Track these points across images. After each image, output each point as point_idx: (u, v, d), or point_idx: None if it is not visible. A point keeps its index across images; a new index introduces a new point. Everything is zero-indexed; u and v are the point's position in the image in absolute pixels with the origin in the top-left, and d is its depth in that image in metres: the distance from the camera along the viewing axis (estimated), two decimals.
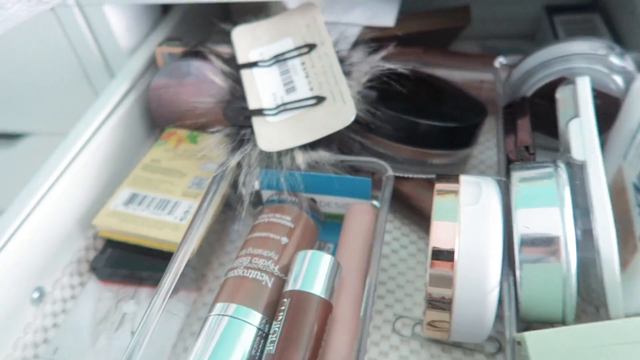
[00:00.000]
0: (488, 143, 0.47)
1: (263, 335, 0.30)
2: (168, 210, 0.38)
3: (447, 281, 0.28)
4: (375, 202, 0.37)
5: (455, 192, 0.30)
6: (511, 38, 0.58)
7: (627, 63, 0.37)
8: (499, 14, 0.57)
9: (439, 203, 0.30)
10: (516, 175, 0.30)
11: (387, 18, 0.47)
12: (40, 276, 0.36)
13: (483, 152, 0.46)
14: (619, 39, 0.48)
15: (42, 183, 0.36)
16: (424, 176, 0.35)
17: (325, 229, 0.39)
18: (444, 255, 0.28)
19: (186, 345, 0.35)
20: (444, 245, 0.28)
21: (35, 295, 0.35)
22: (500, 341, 0.33)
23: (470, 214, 0.28)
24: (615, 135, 0.37)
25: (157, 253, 0.37)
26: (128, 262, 0.38)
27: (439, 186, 0.30)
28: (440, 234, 0.28)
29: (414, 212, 0.41)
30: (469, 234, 0.28)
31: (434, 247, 0.28)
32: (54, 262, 0.37)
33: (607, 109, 0.38)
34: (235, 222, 0.42)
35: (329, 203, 0.39)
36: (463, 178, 0.31)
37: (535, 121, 0.38)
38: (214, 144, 0.37)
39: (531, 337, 0.23)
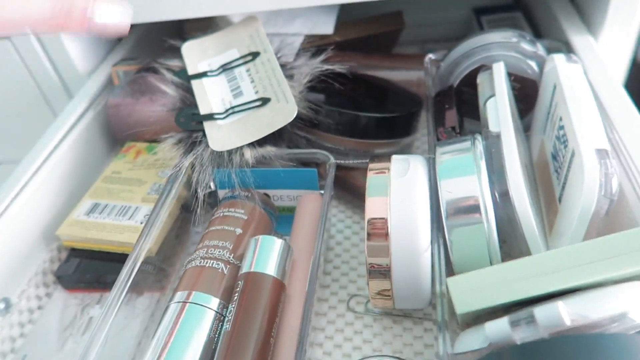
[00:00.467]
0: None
1: (221, 318, 0.32)
2: (129, 215, 0.40)
3: (384, 250, 0.31)
4: (323, 192, 0.40)
5: (387, 169, 0.33)
6: (448, 40, 0.62)
7: (539, 48, 0.41)
8: (434, 19, 0.61)
9: (372, 181, 0.32)
10: (439, 150, 0.33)
11: (326, 26, 0.50)
12: (5, 288, 0.37)
13: (425, 143, 0.49)
14: (539, 32, 0.52)
15: (4, 199, 0.38)
16: (364, 161, 0.38)
17: (281, 222, 0.42)
18: (378, 226, 0.31)
19: None
20: (377, 217, 0.31)
21: (1, 306, 0.37)
22: None
23: (398, 185, 0.31)
24: (537, 114, 0.41)
25: (120, 258, 0.39)
26: (92, 269, 0.39)
27: (372, 166, 0.33)
28: (374, 208, 0.31)
29: (363, 201, 0.43)
30: (398, 204, 0.31)
31: (369, 220, 0.31)
32: (19, 274, 0.39)
33: (527, 92, 0.42)
34: (195, 224, 0.43)
35: (281, 196, 0.41)
36: (394, 157, 0.34)
37: (464, 108, 0.42)
38: (167, 148, 0.39)
39: (452, 281, 0.25)
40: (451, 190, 0.30)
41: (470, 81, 0.43)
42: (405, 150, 0.46)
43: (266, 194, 0.41)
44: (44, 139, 0.44)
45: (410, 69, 0.51)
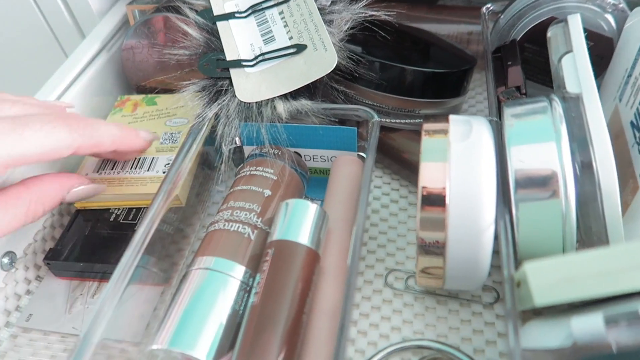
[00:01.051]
0: (479, 97, 0.45)
1: (247, 289, 0.28)
2: (146, 167, 0.36)
3: (439, 224, 0.26)
4: (362, 153, 0.36)
5: (445, 132, 0.28)
6: None
7: (619, 1, 0.35)
8: None
9: (427, 143, 0.28)
10: (508, 112, 0.28)
11: None
12: (10, 241, 0.34)
13: (474, 106, 0.44)
14: None
15: None
16: (412, 121, 0.33)
17: (311, 185, 0.38)
18: (435, 197, 0.26)
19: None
20: (434, 186, 0.27)
21: (6, 260, 0.33)
22: (498, 291, 0.32)
23: (460, 150, 0.27)
24: (610, 77, 0.36)
25: (121, 239, 0.34)
26: (87, 255, 0.34)
27: (426, 126, 0.29)
28: (430, 175, 0.27)
29: (404, 166, 0.39)
30: (459, 172, 0.26)
31: (423, 189, 0.27)
32: (25, 227, 0.35)
33: (600, 51, 0.37)
34: (217, 182, 0.40)
35: (314, 157, 0.37)
36: (452, 117, 0.29)
37: (525, 68, 0.37)
38: (190, 96, 0.35)
39: (531, 267, 0.21)
40: (524, 158, 0.26)
41: (534, 37, 0.38)
42: (453, 114, 0.41)
43: (297, 153, 0.37)
44: (52, 82, 0.40)
45: (459, 23, 0.46)
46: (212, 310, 0.27)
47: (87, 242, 0.34)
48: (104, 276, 0.34)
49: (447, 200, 0.26)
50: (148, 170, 0.36)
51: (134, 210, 0.36)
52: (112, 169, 0.36)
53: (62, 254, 0.34)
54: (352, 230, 0.28)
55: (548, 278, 0.21)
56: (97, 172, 0.36)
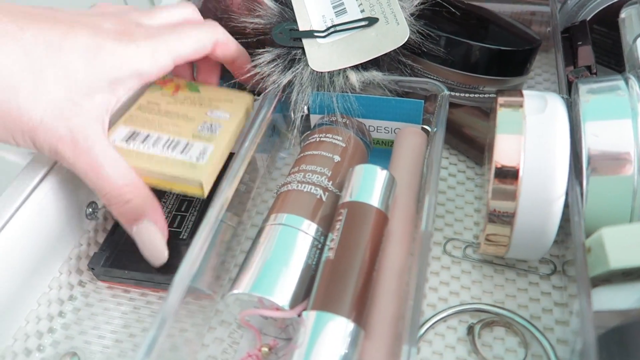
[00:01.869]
0: (538, 77, 0.46)
1: (319, 246, 0.30)
2: (179, 150, 0.33)
3: (511, 194, 0.28)
4: (426, 126, 0.37)
5: (520, 105, 0.29)
6: None
7: None
8: None
9: (503, 115, 0.29)
10: (584, 88, 0.29)
11: None
12: (91, 192, 0.36)
13: (533, 87, 0.45)
14: None
15: None
16: (480, 96, 0.34)
17: (374, 156, 0.39)
18: (508, 168, 0.28)
19: (237, 262, 0.35)
20: (508, 158, 0.28)
21: (89, 210, 0.36)
22: (555, 263, 0.33)
23: (536, 122, 0.28)
24: None
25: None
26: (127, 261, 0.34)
27: (501, 100, 0.30)
28: (505, 147, 0.28)
29: (463, 140, 0.40)
30: (534, 144, 0.27)
31: (497, 160, 0.28)
32: None
33: None
34: (286, 147, 0.41)
35: (378, 128, 0.38)
36: (526, 92, 0.30)
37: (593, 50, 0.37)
38: (265, 62, 0.36)
39: (607, 231, 0.22)
40: (598, 133, 0.27)
41: (604, 19, 0.38)
42: None
43: (362, 123, 0.38)
44: None
45: (523, 3, 0.46)
46: (288, 261, 0.29)
47: (130, 249, 0.33)
48: (147, 285, 0.34)
49: (521, 172, 0.27)
50: (181, 154, 0.33)
51: (179, 217, 0.36)
52: (141, 142, 0.34)
53: (105, 260, 0.34)
54: (421, 197, 0.30)
55: (623, 242, 0.22)
56: (126, 141, 0.33)
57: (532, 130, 0.27)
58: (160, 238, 0.31)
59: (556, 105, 0.28)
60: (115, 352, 0.31)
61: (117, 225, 0.35)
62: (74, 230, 0.35)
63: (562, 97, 0.30)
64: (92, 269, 0.34)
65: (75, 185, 0.34)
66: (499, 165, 0.28)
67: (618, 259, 0.22)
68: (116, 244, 0.34)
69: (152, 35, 0.32)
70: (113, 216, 0.32)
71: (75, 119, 0.29)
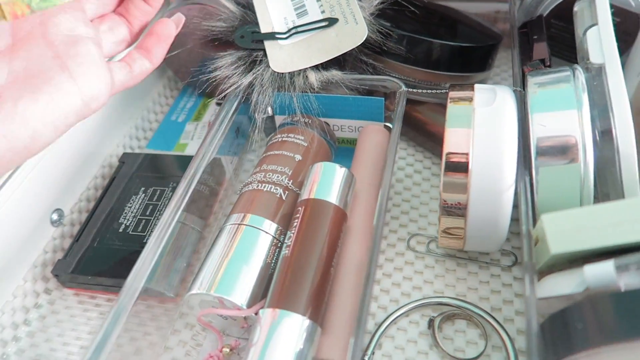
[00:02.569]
0: (504, 74, 0.46)
1: (278, 244, 0.31)
2: None
3: (462, 187, 0.28)
4: (388, 124, 0.37)
5: (470, 99, 0.29)
6: None
7: None
8: None
9: (452, 110, 0.29)
10: (532, 80, 0.29)
11: None
12: (58, 199, 0.37)
13: (497, 83, 0.45)
14: None
15: None
16: (437, 91, 0.35)
17: (339, 155, 0.39)
18: (458, 160, 0.28)
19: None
20: (458, 150, 0.28)
21: (55, 217, 0.36)
22: (516, 255, 0.33)
23: (484, 115, 0.28)
24: (635, 53, 0.36)
25: (129, 254, 0.34)
26: (96, 266, 0.34)
27: (452, 94, 0.30)
28: (454, 140, 0.28)
29: (428, 137, 0.40)
30: (482, 136, 0.28)
31: (447, 153, 0.28)
32: (72, 187, 0.38)
33: (626, 28, 0.37)
34: (249, 149, 0.42)
35: (342, 126, 0.39)
36: (477, 86, 0.30)
37: (551, 44, 0.38)
38: (226, 65, 0.36)
39: (547, 217, 0.22)
40: (545, 124, 0.27)
41: (561, 13, 0.38)
42: None
43: (326, 123, 0.38)
44: None
45: (487, 1, 0.47)
46: (247, 261, 0.29)
47: (95, 254, 0.34)
48: (113, 290, 0.34)
49: (470, 164, 0.28)
50: None
51: (144, 221, 0.36)
52: None
53: (70, 266, 0.33)
54: (379, 193, 0.30)
55: (564, 227, 0.22)
56: None
57: (481, 122, 0.28)
58: None
59: (505, 97, 0.29)
60: (79, 359, 0.31)
61: (82, 231, 0.35)
62: (38, 237, 0.35)
63: (514, 90, 0.31)
64: (57, 275, 0.34)
65: (40, 191, 0.34)
66: (449, 158, 0.28)
67: (558, 245, 0.22)
68: (82, 250, 0.35)
69: None
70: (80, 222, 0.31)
71: None
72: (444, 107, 0.40)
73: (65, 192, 0.37)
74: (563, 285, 0.23)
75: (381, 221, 0.28)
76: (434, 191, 0.38)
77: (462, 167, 0.28)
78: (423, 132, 0.41)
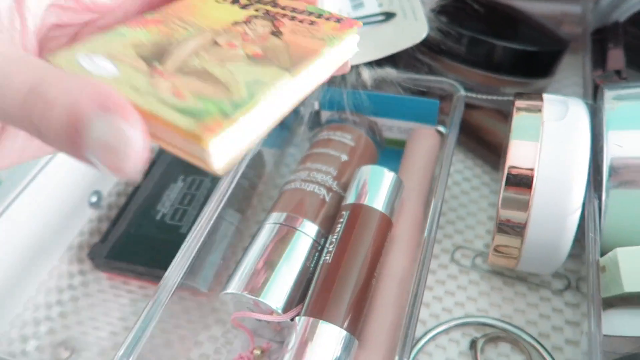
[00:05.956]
0: (565, 81, 0.43)
1: (318, 248, 0.29)
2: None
3: (523, 204, 0.26)
4: (440, 128, 0.35)
5: (538, 110, 0.27)
6: None
7: None
8: None
9: (519, 120, 0.27)
10: (609, 94, 0.27)
11: None
12: (98, 181, 0.36)
13: (560, 90, 0.42)
14: None
15: None
16: (498, 98, 0.33)
17: (385, 156, 0.38)
18: (522, 175, 0.26)
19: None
20: (522, 165, 0.26)
21: (94, 199, 0.36)
22: (569, 278, 0.31)
23: (554, 130, 0.26)
24: None
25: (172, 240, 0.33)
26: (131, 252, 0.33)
27: (519, 103, 0.28)
28: (519, 153, 0.26)
29: (481, 144, 0.38)
30: (551, 152, 0.25)
31: (510, 166, 0.26)
32: None
33: None
34: (291, 145, 0.40)
35: (391, 127, 0.37)
36: (547, 96, 0.28)
37: (627, 54, 0.35)
38: None
39: (623, 252, 0.20)
40: (622, 143, 0.25)
41: (639, 21, 0.35)
42: None
43: (374, 122, 0.37)
44: None
45: (554, 2, 0.44)
46: (285, 263, 0.28)
47: (131, 241, 0.34)
48: (146, 278, 0.33)
49: (535, 181, 0.26)
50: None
51: (181, 210, 0.35)
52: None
53: (105, 251, 0.33)
54: (431, 202, 0.28)
55: (638, 264, 0.20)
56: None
57: (550, 137, 0.26)
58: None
59: (578, 112, 0.26)
60: (109, 344, 0.31)
61: (120, 216, 0.35)
62: (76, 218, 0.35)
63: (586, 103, 0.28)
64: (92, 258, 0.34)
65: (80, 172, 0.34)
66: (511, 172, 0.26)
67: (633, 283, 0.20)
68: (118, 235, 0.34)
69: None
70: (117, 205, 0.30)
71: None
72: (500, 113, 0.38)
73: None
74: (633, 326, 0.21)
75: (433, 234, 0.26)
76: (484, 202, 0.36)
77: (525, 183, 0.26)
78: (476, 138, 0.38)
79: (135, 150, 0.14)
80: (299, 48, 0.22)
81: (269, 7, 0.23)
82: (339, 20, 0.24)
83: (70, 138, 0.14)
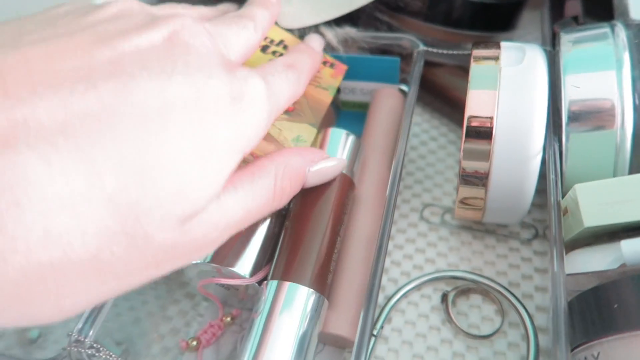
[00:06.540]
0: (528, 36, 0.43)
1: (282, 213, 0.29)
2: None
3: (484, 154, 0.26)
4: (403, 87, 0.35)
5: (496, 58, 0.27)
6: None
7: None
8: None
9: (476, 70, 0.27)
10: (566, 38, 0.27)
11: None
12: None
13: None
14: None
15: None
16: (459, 52, 0.32)
17: (350, 120, 0.37)
18: (481, 125, 0.26)
19: None
20: (481, 114, 0.26)
21: None
22: (537, 228, 0.31)
23: (511, 75, 0.26)
24: None
25: None
26: None
27: (476, 52, 0.28)
28: (477, 103, 0.26)
29: (446, 102, 0.38)
30: (509, 98, 0.25)
31: (469, 117, 0.26)
32: None
33: None
34: None
35: (354, 89, 0.36)
36: (504, 43, 0.28)
37: (584, 3, 0.35)
38: None
39: (582, 187, 0.20)
40: (580, 85, 0.25)
41: None
42: None
43: None
44: None
45: None
46: (249, 230, 0.27)
47: None
48: None
49: (494, 129, 0.25)
50: None
51: None
52: None
53: None
54: (392, 161, 0.28)
55: (599, 198, 0.20)
56: None
57: (507, 83, 0.25)
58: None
59: (535, 56, 0.26)
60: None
61: None
62: None
63: (544, 50, 0.28)
64: None
65: None
66: (471, 123, 0.26)
67: (592, 217, 0.20)
68: None
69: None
70: None
71: None
72: (463, 70, 0.38)
73: None
74: (595, 262, 0.21)
75: (395, 191, 0.26)
76: (450, 159, 0.36)
77: (485, 133, 0.25)
78: (440, 96, 0.38)
79: None
80: (313, 100, 0.29)
81: (280, 49, 0.28)
82: (332, 65, 0.31)
83: None
